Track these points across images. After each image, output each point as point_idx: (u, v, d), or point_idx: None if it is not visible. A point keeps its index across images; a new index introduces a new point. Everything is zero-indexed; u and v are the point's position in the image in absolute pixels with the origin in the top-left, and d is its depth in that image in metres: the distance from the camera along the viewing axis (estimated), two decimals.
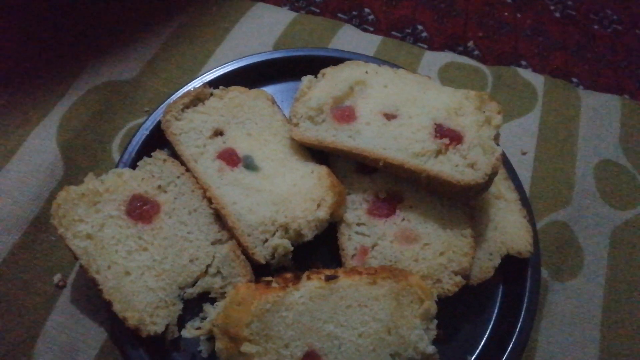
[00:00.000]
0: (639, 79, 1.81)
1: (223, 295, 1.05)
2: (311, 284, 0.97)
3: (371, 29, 1.76)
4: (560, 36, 1.89)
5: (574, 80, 1.76)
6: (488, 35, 1.84)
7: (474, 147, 1.07)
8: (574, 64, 1.81)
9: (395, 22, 1.80)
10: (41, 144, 1.24)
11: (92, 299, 1.10)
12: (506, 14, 1.91)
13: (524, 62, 1.78)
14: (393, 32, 1.77)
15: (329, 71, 1.26)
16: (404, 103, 1.17)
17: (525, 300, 1.12)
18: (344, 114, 1.18)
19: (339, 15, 1.77)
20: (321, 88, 1.22)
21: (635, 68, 1.85)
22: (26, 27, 1.42)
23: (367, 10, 1.81)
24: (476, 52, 1.78)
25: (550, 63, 1.79)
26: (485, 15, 1.89)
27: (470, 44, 1.81)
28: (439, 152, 1.09)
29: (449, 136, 1.09)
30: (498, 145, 1.09)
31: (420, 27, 1.80)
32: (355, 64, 1.27)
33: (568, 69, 1.79)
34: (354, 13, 1.79)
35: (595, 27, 1.94)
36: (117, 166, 1.17)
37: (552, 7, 1.97)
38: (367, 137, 1.13)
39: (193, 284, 1.06)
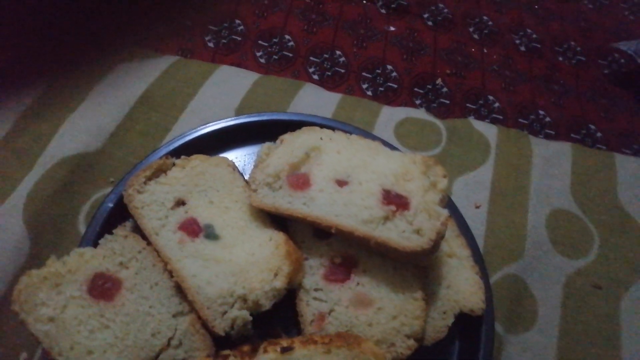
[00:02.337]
0: (603, 108, 1.88)
1: None
2: (266, 357, 1.00)
3: (342, 70, 1.82)
4: (526, 69, 1.96)
5: (541, 112, 1.81)
6: (456, 71, 1.90)
7: (420, 212, 1.11)
8: (540, 96, 1.88)
9: (366, 63, 1.86)
10: (7, 222, 1.27)
11: None
12: (473, 49, 1.98)
13: (491, 97, 1.84)
14: (364, 73, 1.83)
15: (286, 137, 1.31)
16: (355, 169, 1.22)
17: (480, 356, 1.16)
18: (299, 181, 1.22)
19: (311, 58, 1.83)
20: (279, 155, 1.27)
21: (599, 97, 1.91)
22: None
23: (338, 52, 1.86)
24: (445, 90, 1.84)
25: (517, 96, 1.85)
26: (453, 52, 1.95)
27: (439, 81, 1.87)
28: (386, 219, 1.12)
29: (395, 203, 1.13)
30: (444, 208, 1.13)
31: (389, 67, 1.86)
32: (311, 129, 1.32)
33: (534, 101, 1.85)
34: (325, 56, 1.85)
35: (560, 58, 2.01)
36: (81, 243, 1.20)
37: (517, 41, 2.04)
38: (320, 204, 1.17)
39: (155, 358, 1.08)
